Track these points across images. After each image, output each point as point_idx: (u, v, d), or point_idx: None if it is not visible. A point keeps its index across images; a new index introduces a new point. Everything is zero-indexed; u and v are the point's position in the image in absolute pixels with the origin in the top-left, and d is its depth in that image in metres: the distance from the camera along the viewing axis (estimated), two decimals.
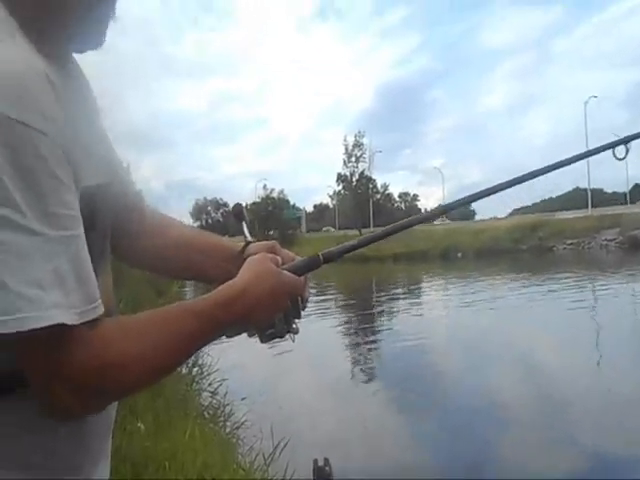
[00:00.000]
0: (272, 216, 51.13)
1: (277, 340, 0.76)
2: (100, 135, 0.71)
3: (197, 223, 65.10)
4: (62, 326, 0.47)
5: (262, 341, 0.74)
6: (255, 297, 0.65)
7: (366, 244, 0.83)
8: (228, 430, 4.07)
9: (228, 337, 0.72)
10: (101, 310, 0.52)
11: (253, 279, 0.66)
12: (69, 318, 0.48)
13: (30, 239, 0.47)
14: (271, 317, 0.70)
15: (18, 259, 0.46)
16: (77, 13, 0.61)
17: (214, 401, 4.74)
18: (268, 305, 0.67)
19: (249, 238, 0.83)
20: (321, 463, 1.05)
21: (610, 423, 4.90)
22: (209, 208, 66.36)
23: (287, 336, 0.75)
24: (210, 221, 65.51)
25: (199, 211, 66.28)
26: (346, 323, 12.72)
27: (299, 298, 0.74)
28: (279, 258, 0.74)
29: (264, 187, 55.96)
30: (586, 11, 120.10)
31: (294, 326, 0.75)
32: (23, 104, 0.48)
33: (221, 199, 67.51)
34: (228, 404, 4.59)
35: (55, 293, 0.47)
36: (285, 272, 0.71)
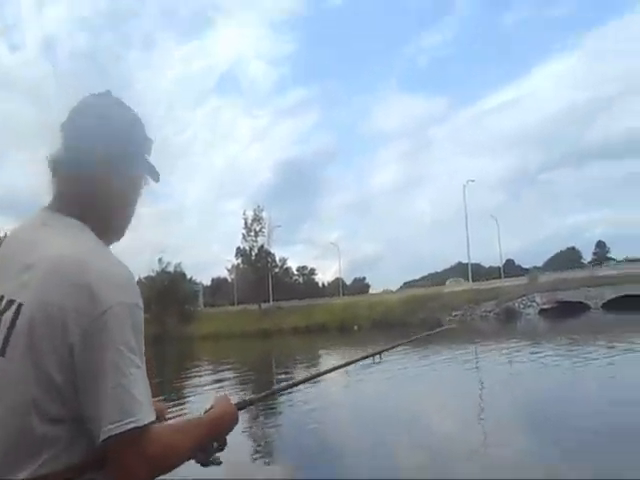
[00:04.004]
0: (169, 292, 48.99)
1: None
2: None
3: None
4: (148, 424, 0.82)
5: (204, 465, 1.04)
6: (227, 422, 1.03)
7: (276, 392, 1.23)
8: None
9: (201, 464, 1.04)
10: (155, 415, 0.86)
11: (226, 410, 1.05)
12: (151, 419, 0.83)
13: (141, 371, 0.86)
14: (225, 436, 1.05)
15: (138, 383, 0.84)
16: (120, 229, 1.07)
17: None
18: (229, 428, 1.04)
19: None
20: None
21: None
22: None
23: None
24: None
25: None
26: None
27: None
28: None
29: (159, 260, 53.71)
30: (464, 103, 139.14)
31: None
32: (137, 294, 0.90)
33: None
34: None
35: (147, 404, 0.84)
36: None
